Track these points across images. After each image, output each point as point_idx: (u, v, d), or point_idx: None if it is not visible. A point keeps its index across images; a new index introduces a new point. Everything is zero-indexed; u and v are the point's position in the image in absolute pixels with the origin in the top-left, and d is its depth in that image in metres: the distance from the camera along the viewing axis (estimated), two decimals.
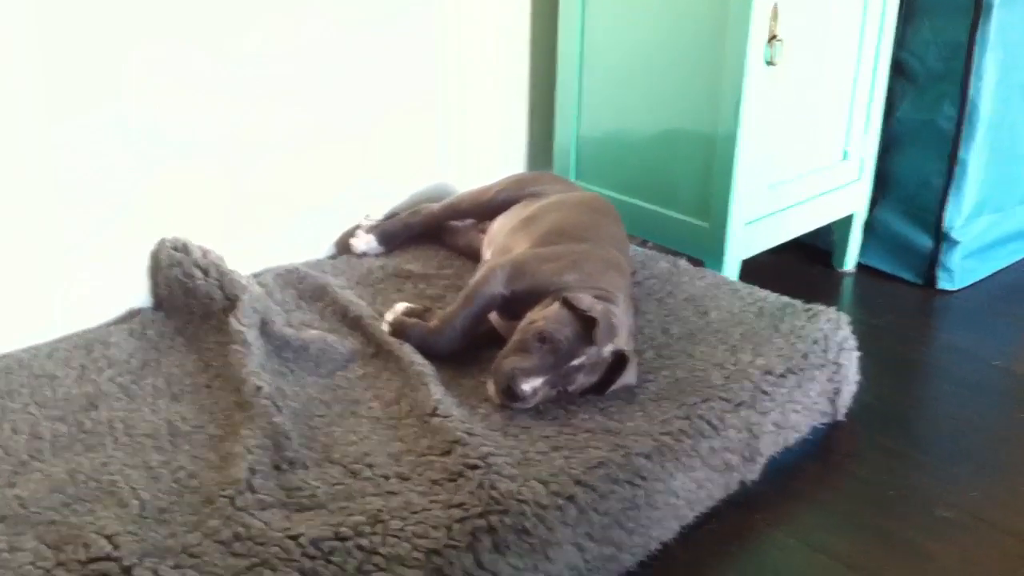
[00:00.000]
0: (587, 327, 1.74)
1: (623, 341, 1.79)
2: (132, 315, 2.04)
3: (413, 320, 1.94)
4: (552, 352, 1.71)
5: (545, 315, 1.77)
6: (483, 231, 2.31)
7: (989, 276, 2.72)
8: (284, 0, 2.16)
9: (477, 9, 2.51)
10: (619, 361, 1.77)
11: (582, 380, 1.75)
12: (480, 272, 1.97)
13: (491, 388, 1.75)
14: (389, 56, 2.38)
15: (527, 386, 1.69)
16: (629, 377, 1.78)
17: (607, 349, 1.75)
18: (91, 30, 1.89)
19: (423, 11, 2.41)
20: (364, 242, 2.34)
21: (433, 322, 1.92)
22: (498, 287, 1.90)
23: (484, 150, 2.63)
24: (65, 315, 1.97)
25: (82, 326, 1.98)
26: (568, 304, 1.76)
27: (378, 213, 2.43)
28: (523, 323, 1.80)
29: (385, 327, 1.96)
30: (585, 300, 1.77)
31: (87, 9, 1.87)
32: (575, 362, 1.72)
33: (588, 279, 1.89)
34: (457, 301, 1.92)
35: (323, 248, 2.39)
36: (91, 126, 1.94)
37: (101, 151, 1.96)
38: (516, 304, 1.89)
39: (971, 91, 2.52)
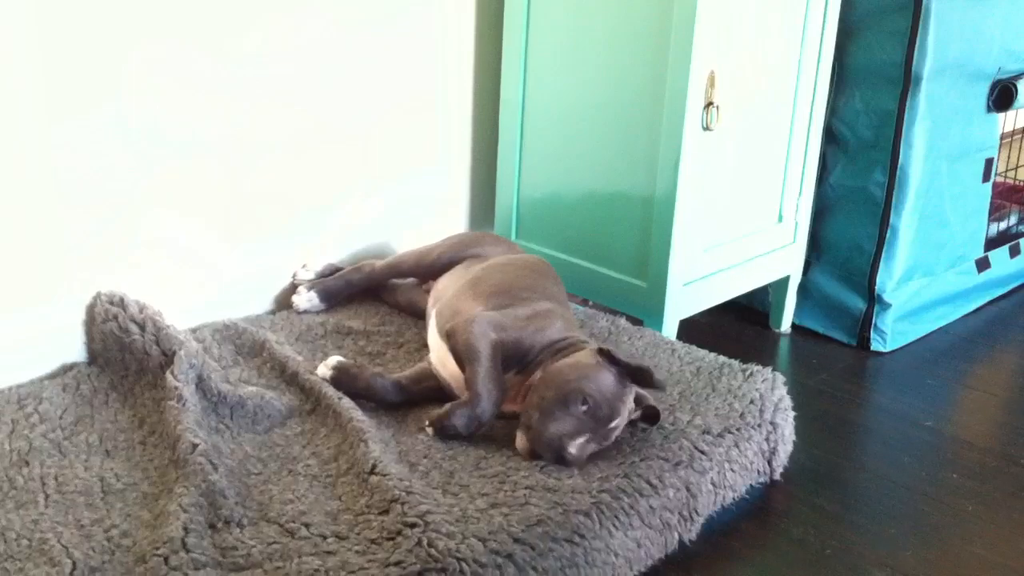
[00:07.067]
0: (631, 378, 1.80)
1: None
2: (66, 370, 2.01)
3: (442, 412, 1.83)
4: (592, 417, 1.75)
5: (581, 372, 1.78)
6: (427, 290, 2.31)
7: (920, 339, 2.77)
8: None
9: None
10: (651, 415, 1.86)
11: (617, 434, 1.81)
12: (459, 336, 1.88)
13: (520, 442, 1.77)
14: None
15: (574, 449, 1.73)
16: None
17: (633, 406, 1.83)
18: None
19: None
20: (306, 300, 2.33)
21: (461, 399, 1.85)
22: (489, 334, 1.87)
23: (426, 212, 2.66)
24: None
25: (14, 380, 1.95)
26: (609, 357, 1.80)
27: (316, 263, 2.42)
28: (547, 375, 1.81)
29: (324, 370, 1.98)
30: (622, 350, 1.82)
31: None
32: (613, 424, 1.78)
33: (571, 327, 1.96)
34: (468, 372, 1.84)
35: (263, 303, 2.38)
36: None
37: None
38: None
39: (901, 159, 2.59)
